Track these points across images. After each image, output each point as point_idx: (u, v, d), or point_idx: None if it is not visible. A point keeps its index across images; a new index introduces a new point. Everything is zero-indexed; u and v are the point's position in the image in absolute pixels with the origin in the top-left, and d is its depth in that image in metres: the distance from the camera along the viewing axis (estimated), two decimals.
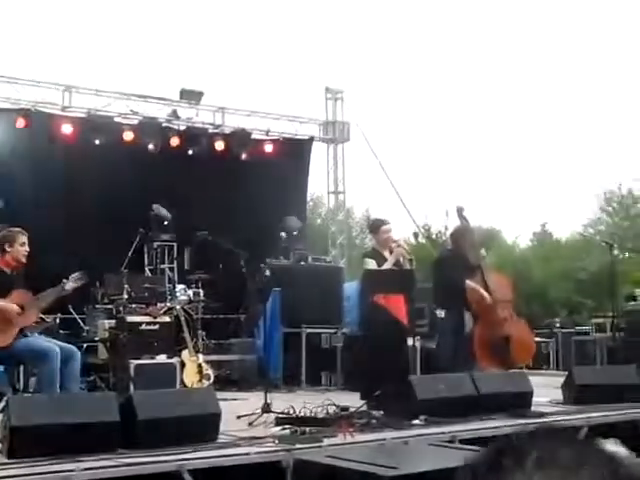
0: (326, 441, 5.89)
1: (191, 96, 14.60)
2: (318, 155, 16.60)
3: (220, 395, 7.51)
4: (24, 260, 7.36)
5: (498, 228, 35.60)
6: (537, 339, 12.11)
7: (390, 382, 7.39)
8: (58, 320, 10.55)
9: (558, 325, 14.70)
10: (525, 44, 50.63)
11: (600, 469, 1.03)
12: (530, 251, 33.14)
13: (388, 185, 15.88)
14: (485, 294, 9.29)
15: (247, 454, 5.50)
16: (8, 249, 7.30)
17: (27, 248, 7.35)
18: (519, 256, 30.54)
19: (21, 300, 7.10)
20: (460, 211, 9.60)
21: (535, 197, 48.51)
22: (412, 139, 51.69)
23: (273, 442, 5.79)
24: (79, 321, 11.17)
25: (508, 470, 1.02)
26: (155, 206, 12.68)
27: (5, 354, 7.03)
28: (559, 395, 8.38)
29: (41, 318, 9.36)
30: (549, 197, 50.15)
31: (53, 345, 6.97)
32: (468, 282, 9.39)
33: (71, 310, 10.97)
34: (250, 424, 6.68)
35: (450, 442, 6.05)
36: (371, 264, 8.49)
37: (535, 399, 7.68)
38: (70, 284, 7.39)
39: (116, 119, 13.78)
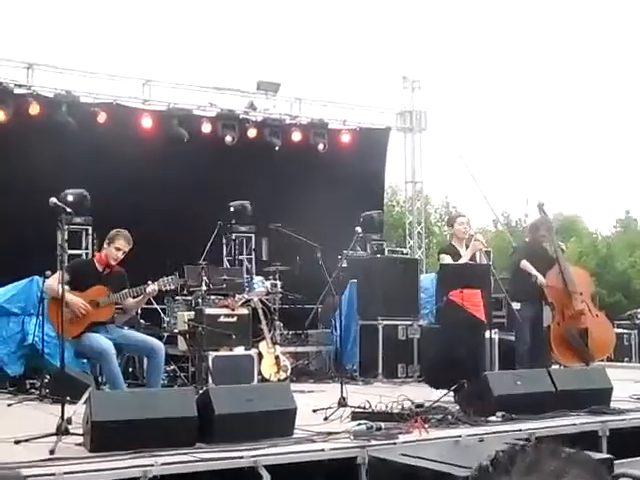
0: (401, 437, 5.90)
1: (268, 87, 14.68)
2: (395, 145, 16.56)
3: (297, 386, 7.58)
4: (113, 263, 7.44)
5: (580, 215, 35.02)
6: (619, 330, 11.87)
7: (464, 379, 7.34)
8: (140, 311, 10.74)
9: None
10: (604, 29, 49.53)
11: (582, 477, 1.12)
12: (614, 238, 32.50)
13: (466, 173, 15.77)
14: (561, 286, 9.19)
15: (322, 450, 5.54)
16: (105, 246, 7.45)
17: (121, 255, 7.41)
18: (602, 243, 29.99)
19: (96, 296, 7.23)
20: (541, 207, 9.57)
21: (619, 183, 47.51)
22: (490, 127, 51.18)
23: (348, 438, 5.83)
24: (160, 312, 11.35)
25: (496, 477, 1.11)
26: (240, 203, 12.74)
27: (75, 346, 7.19)
28: None
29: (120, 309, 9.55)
30: (633, 183, 49.04)
31: (109, 346, 6.99)
32: (543, 276, 9.31)
33: (152, 301, 11.14)
34: (326, 419, 6.73)
35: (527, 440, 5.98)
36: (447, 259, 8.47)
37: (615, 394, 7.50)
38: (152, 287, 7.36)
39: (195, 112, 13.96)
